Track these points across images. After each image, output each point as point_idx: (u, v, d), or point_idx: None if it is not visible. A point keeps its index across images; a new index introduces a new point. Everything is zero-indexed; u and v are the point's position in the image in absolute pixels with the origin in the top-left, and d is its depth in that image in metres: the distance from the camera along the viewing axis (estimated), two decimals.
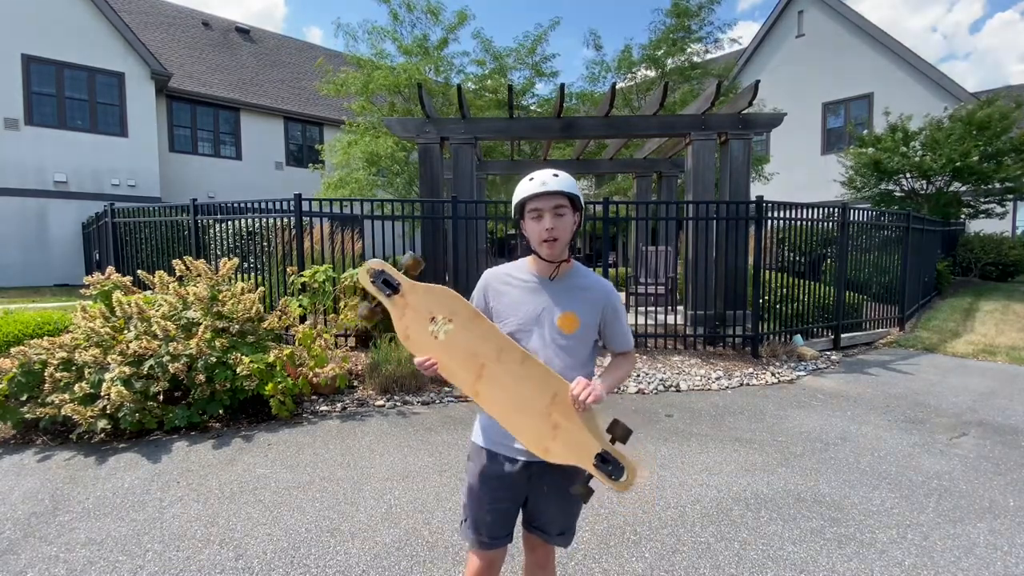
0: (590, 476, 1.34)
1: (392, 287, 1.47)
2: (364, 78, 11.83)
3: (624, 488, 1.32)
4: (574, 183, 1.43)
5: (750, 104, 6.44)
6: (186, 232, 6.65)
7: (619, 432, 1.35)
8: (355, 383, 4.92)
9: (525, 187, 1.42)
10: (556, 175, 1.40)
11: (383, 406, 4.46)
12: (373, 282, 1.48)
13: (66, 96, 12.89)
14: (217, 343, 4.00)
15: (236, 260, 4.65)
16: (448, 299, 1.44)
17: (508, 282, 1.50)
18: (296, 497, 2.88)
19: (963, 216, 13.05)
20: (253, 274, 6.37)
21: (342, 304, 5.18)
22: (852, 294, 7.21)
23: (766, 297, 6.47)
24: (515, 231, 1.53)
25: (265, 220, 6.42)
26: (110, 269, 4.62)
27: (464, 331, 1.41)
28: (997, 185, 11.61)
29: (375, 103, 12.48)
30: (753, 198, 6.32)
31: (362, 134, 12.27)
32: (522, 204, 1.43)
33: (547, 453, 1.34)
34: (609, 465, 1.33)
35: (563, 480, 1.44)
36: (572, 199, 1.41)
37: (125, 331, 4.01)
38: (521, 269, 1.52)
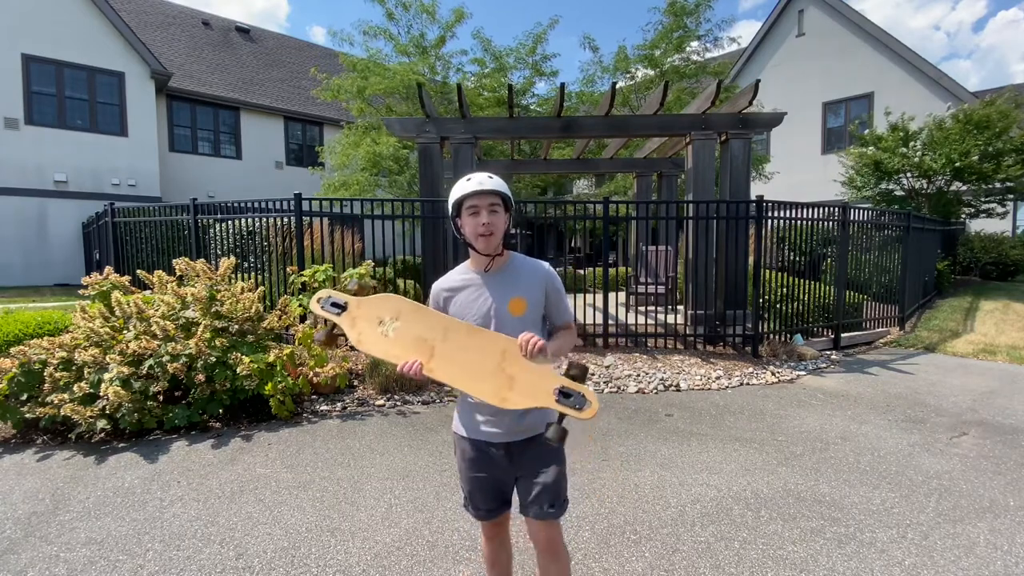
0: (561, 416, 1.42)
1: (340, 307, 1.62)
2: (360, 82, 11.81)
3: (590, 415, 1.39)
4: (505, 185, 1.58)
5: (750, 103, 6.43)
6: (186, 232, 6.65)
7: (575, 371, 1.44)
8: (355, 383, 4.92)
9: (463, 187, 1.55)
10: (491, 177, 1.55)
11: (383, 406, 4.46)
12: (323, 308, 1.62)
13: (66, 96, 12.88)
14: (217, 343, 4.00)
15: (234, 260, 4.65)
16: (391, 302, 1.60)
17: (453, 287, 1.62)
18: (296, 496, 2.88)
19: (964, 216, 13.04)
20: (253, 274, 6.37)
21: None
22: (852, 293, 7.21)
23: (766, 296, 6.46)
24: (454, 228, 1.66)
25: (265, 220, 6.42)
26: (108, 269, 4.62)
27: (410, 324, 1.55)
28: (997, 185, 11.61)
29: (373, 104, 12.48)
30: (753, 197, 6.31)
31: (361, 136, 12.26)
32: (460, 202, 1.56)
33: (505, 402, 1.43)
34: (571, 398, 1.41)
35: (543, 450, 1.57)
36: (504, 199, 1.56)
37: (124, 331, 4.00)
38: (462, 271, 1.65)
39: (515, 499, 1.69)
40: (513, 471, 1.61)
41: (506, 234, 1.59)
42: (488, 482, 1.64)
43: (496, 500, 1.67)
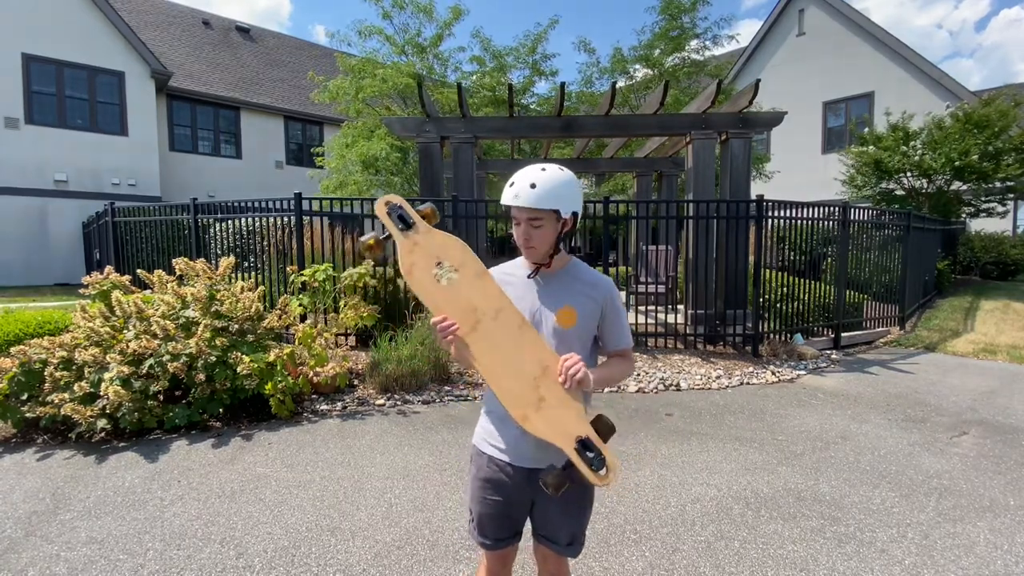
0: (568, 464, 1.28)
1: (406, 224, 1.41)
2: (357, 84, 11.81)
3: (603, 483, 1.26)
4: (557, 191, 1.34)
5: (750, 103, 6.43)
6: (186, 231, 6.65)
7: (602, 427, 1.29)
8: (355, 382, 4.92)
9: (504, 193, 1.38)
10: (533, 185, 1.32)
11: (383, 405, 4.46)
12: (388, 214, 1.42)
13: (66, 95, 12.88)
14: (217, 342, 4.00)
15: (233, 259, 4.65)
16: (460, 250, 1.41)
17: (508, 281, 1.48)
18: (296, 496, 2.88)
19: (964, 215, 13.05)
20: (253, 273, 6.37)
21: (342, 303, 5.19)
22: (852, 293, 7.21)
23: (766, 296, 6.46)
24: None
25: (265, 219, 6.42)
26: (108, 268, 4.62)
27: (468, 284, 1.38)
28: (997, 184, 11.61)
29: (371, 105, 12.48)
30: (754, 197, 6.31)
31: (355, 138, 12.27)
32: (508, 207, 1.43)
33: (526, 420, 1.30)
34: (591, 453, 1.26)
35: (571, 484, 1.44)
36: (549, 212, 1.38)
37: (125, 331, 4.01)
38: (519, 266, 1.52)
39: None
40: (531, 496, 1.45)
41: (559, 240, 1.42)
42: (502, 508, 1.46)
43: (508, 530, 1.49)
